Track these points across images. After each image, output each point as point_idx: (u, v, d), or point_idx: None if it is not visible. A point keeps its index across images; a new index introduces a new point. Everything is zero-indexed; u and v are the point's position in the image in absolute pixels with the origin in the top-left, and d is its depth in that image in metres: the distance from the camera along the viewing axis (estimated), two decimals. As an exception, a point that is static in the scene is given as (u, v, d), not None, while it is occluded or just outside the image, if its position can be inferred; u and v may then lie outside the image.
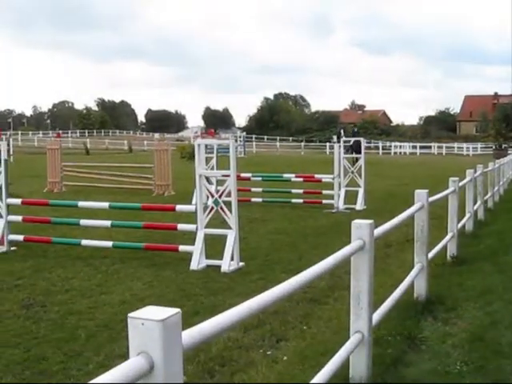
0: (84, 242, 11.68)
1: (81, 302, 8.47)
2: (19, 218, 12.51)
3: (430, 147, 79.58)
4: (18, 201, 12.63)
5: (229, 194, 10.55)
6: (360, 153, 20.59)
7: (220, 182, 14.63)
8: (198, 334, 2.55)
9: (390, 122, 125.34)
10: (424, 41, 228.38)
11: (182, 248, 10.86)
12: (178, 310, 2.35)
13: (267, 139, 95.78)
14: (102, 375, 2.15)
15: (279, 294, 3.46)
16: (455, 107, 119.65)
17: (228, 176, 10.61)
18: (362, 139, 21.38)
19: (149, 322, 2.26)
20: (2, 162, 12.16)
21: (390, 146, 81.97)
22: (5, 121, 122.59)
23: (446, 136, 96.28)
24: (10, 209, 12.36)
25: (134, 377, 2.19)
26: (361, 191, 19.00)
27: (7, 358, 6.44)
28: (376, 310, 5.86)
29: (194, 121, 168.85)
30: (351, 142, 25.45)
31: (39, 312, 8.07)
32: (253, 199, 18.93)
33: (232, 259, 10.36)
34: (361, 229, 5.06)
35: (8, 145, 13.26)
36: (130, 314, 2.35)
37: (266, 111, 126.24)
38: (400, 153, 79.70)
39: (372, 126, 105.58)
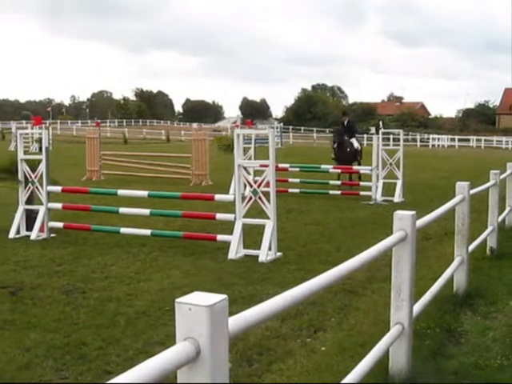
0: (123, 229, 11.77)
1: (120, 289, 8.54)
2: (59, 205, 12.65)
3: (468, 140, 78.76)
4: (58, 188, 12.75)
5: (267, 184, 10.56)
6: (355, 135, 22.48)
7: (257, 173, 14.63)
8: (244, 320, 2.56)
9: (428, 114, 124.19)
10: (460, 31, 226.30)
11: (220, 237, 10.89)
12: (224, 296, 2.36)
13: (304, 130, 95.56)
14: (149, 359, 2.16)
15: (323, 284, 3.46)
16: (495, 100, 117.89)
17: (266, 166, 10.60)
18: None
19: (196, 307, 2.27)
20: (44, 150, 12.32)
21: (428, 139, 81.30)
22: (44, 110, 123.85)
23: (485, 129, 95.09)
24: (50, 196, 12.51)
25: (181, 362, 2.20)
26: (399, 183, 18.86)
27: (48, 343, 6.52)
28: (415, 302, 5.82)
29: (231, 111, 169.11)
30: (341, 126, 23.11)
31: (79, 298, 8.16)
32: (290, 190, 18.92)
33: (270, 249, 10.36)
34: (403, 220, 5.02)
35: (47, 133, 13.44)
36: (177, 300, 2.36)
37: (303, 102, 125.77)
38: (438, 145, 79.03)
39: (410, 119, 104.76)
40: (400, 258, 5.11)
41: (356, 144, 22.22)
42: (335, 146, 21.54)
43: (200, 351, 2.27)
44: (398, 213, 5.15)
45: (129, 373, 2.08)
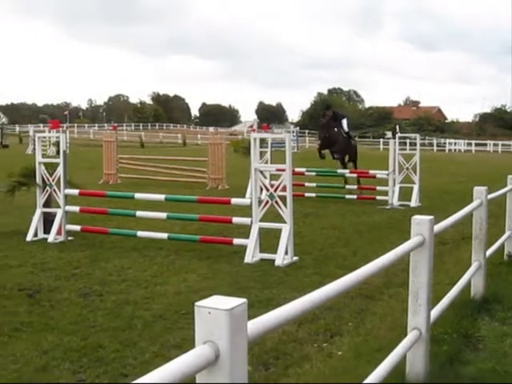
0: (140, 233, 11.81)
1: (136, 293, 8.57)
2: (76, 208, 12.73)
3: (485, 145, 78.33)
4: (75, 191, 12.80)
5: (283, 188, 10.56)
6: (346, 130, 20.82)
7: (273, 177, 14.64)
8: (263, 324, 2.57)
9: (445, 118, 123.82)
10: (476, 35, 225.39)
11: (236, 241, 10.90)
12: (244, 300, 2.37)
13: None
14: (169, 362, 2.17)
15: (341, 289, 3.45)
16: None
17: (283, 170, 10.61)
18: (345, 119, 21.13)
19: (216, 311, 2.28)
20: (61, 153, 12.39)
21: (445, 143, 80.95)
22: (61, 113, 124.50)
23: (502, 134, 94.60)
24: (68, 199, 12.57)
25: (201, 365, 2.21)
26: (415, 188, 18.79)
27: (65, 346, 6.55)
28: (433, 307, 5.81)
29: (248, 115, 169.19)
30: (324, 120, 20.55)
31: (96, 301, 8.19)
32: (306, 194, 18.92)
33: (286, 253, 10.36)
34: (421, 225, 5.01)
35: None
36: (197, 303, 2.37)
37: (319, 106, 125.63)
38: (455, 150, 78.67)
39: (426, 123, 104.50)
40: (418, 263, 5.10)
41: (346, 127, 20.83)
42: (321, 140, 20.56)
43: (219, 355, 2.28)
44: (416, 217, 5.14)
45: (148, 376, 2.09)
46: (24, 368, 5.99)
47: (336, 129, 20.33)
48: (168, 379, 2.09)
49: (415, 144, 20.55)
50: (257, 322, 2.56)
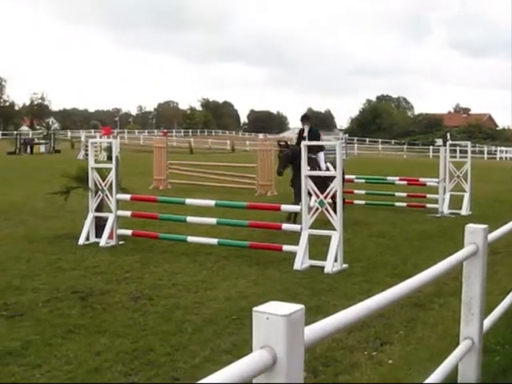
0: (190, 238, 11.90)
1: (187, 297, 8.64)
2: (128, 213, 12.89)
3: (538, 153, 77.13)
4: (127, 196, 12.96)
5: (333, 196, 10.55)
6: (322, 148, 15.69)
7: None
8: (319, 330, 2.58)
9: (496, 126, 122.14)
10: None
11: (285, 248, 10.91)
12: (301, 306, 2.39)
13: (369, 141, 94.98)
14: (227, 366, 2.20)
15: (398, 295, 3.45)
16: None
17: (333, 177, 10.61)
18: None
19: (274, 316, 2.31)
20: (114, 158, 12.58)
21: (496, 151, 79.85)
22: (112, 119, 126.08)
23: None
24: (119, 204, 12.74)
25: (258, 370, 2.24)
26: (466, 196, 18.57)
27: (117, 348, 6.65)
28: (485, 317, 5.75)
29: (296, 122, 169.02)
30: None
31: (147, 305, 8.29)
32: (355, 201, 18.84)
33: (335, 260, 10.34)
34: (475, 234, 4.98)
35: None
36: (254, 308, 2.40)
37: (368, 113, 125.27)
38: (506, 158, 77.51)
39: (477, 130, 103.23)
40: (471, 273, 5.06)
41: (324, 164, 15.61)
42: (284, 158, 15.05)
43: (276, 360, 2.31)
44: (470, 226, 5.11)
45: (206, 380, 2.13)
46: (77, 369, 6.09)
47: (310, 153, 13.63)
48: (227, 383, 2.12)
49: (465, 152, 20.33)
50: (313, 328, 2.58)
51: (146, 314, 7.85)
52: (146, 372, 6.03)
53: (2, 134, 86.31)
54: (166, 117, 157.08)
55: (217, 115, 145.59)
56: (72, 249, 11.93)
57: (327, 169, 15.23)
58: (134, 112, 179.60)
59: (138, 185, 22.86)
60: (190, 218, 12.28)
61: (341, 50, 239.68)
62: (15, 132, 73.49)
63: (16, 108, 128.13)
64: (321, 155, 15.54)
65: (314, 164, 14.65)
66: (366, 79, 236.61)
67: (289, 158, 14.91)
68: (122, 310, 8.07)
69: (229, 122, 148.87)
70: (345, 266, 10.51)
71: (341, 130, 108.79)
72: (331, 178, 12.74)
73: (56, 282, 9.48)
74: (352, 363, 6.24)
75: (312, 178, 11.90)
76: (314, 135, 15.37)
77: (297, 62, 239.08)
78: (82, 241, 12.42)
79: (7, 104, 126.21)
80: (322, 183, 12.70)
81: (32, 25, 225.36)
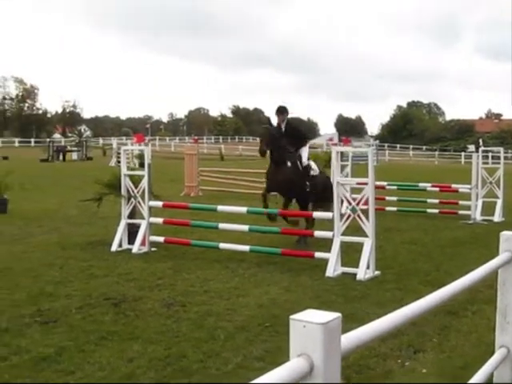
0: (222, 245, 11.92)
1: (219, 304, 8.65)
2: (160, 220, 12.95)
3: None
4: (159, 203, 13.02)
5: (365, 202, 10.51)
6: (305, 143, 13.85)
7: (354, 190, 14.56)
8: (356, 339, 2.58)
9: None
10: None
11: (317, 255, 10.88)
12: (338, 314, 2.39)
13: (400, 148, 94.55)
14: (265, 374, 2.20)
15: (434, 303, 3.44)
16: None
17: (365, 184, 10.58)
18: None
19: (311, 324, 2.31)
20: (146, 165, 12.66)
21: (529, 157, 79.07)
22: (143, 126, 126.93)
23: None
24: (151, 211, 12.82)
25: (296, 377, 2.24)
26: (499, 202, 18.39)
27: (150, 355, 6.67)
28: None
29: (326, 128, 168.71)
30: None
31: (179, 311, 8.31)
32: (387, 208, 18.75)
33: (368, 267, 10.29)
34: (510, 241, 4.93)
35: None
36: (291, 316, 2.41)
37: (399, 119, 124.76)
38: (539, 164, 76.68)
39: (509, 136, 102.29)
40: (506, 280, 5.02)
41: (306, 159, 13.65)
42: (269, 136, 13.07)
43: (313, 368, 2.30)
44: (505, 233, 5.06)
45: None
46: (110, 376, 6.12)
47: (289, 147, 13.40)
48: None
49: (498, 158, 20.14)
50: (350, 336, 2.58)
51: (178, 321, 7.87)
52: (178, 379, 6.03)
53: (35, 142, 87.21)
54: (197, 124, 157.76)
55: (247, 122, 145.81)
56: (104, 255, 12.01)
57: (309, 166, 13.60)
58: (165, 119, 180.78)
59: (170, 192, 23.00)
60: (222, 225, 12.31)
61: (371, 55, 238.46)
62: (48, 139, 74.33)
63: (48, 115, 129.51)
64: (304, 150, 13.65)
65: (295, 159, 13.35)
66: (396, 85, 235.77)
67: (273, 135, 13.05)
68: (154, 316, 8.10)
69: (259, 129, 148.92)
70: (377, 273, 10.46)
71: (371, 137, 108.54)
72: (312, 176, 13.43)
73: (89, 288, 9.55)
74: (385, 371, 6.20)
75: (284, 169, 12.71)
76: (293, 128, 13.75)
77: (326, 68, 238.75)
78: (114, 247, 12.50)
79: (40, 112, 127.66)
80: (295, 175, 13.07)
81: (64, 33, 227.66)
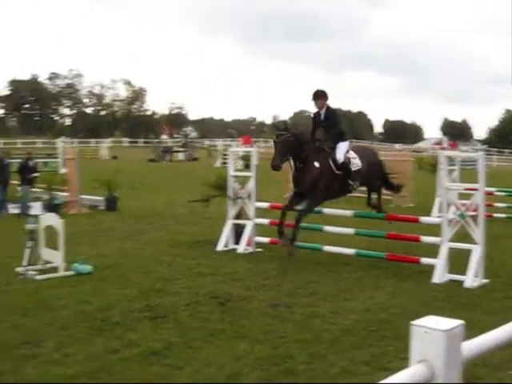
0: (326, 247, 11.91)
1: (324, 306, 8.66)
2: (266, 221, 13.03)
3: None
4: (265, 204, 13.11)
5: (473, 209, 10.28)
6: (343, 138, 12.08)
7: (462, 196, 14.24)
8: (477, 346, 2.55)
9: None
10: None
11: (424, 260, 10.71)
12: (461, 321, 2.37)
13: (508, 153, 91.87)
14: (386, 379, 2.21)
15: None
16: None
17: (474, 190, 10.35)
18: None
19: (433, 331, 2.30)
20: (253, 167, 12.77)
21: None
22: (248, 128, 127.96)
23: None
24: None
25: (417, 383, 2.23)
26: None
27: (256, 354, 6.75)
28: None
29: (431, 132, 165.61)
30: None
31: (285, 312, 8.37)
32: (495, 215, 18.24)
33: (476, 275, 10.06)
34: None
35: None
36: (413, 322, 2.40)
37: (508, 123, 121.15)
38: None
39: None
40: None
41: (342, 156, 11.87)
42: (282, 146, 11.52)
43: (434, 374, 2.29)
44: None
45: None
46: (217, 373, 6.24)
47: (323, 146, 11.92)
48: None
49: None
50: (472, 343, 2.55)
51: (284, 322, 7.93)
52: (284, 380, 6.07)
53: (144, 142, 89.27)
54: (302, 125, 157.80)
55: (351, 124, 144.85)
56: (211, 254, 12.22)
57: (348, 160, 11.89)
58: (269, 121, 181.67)
59: (274, 193, 23.10)
60: (327, 228, 12.28)
61: (479, 57, 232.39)
62: (155, 140, 76.01)
63: (156, 117, 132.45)
64: (342, 146, 11.94)
65: (323, 157, 11.70)
66: (504, 87, 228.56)
67: (289, 146, 11.44)
68: (260, 316, 8.19)
69: (363, 132, 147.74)
70: (485, 281, 10.21)
71: (479, 141, 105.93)
72: (356, 171, 11.89)
73: (196, 286, 9.75)
74: (495, 382, 6.06)
75: (326, 172, 11.24)
76: (334, 116, 12.25)
77: (431, 70, 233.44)
78: (220, 247, 12.70)
79: (148, 113, 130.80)
80: (341, 180, 11.64)
81: (171, 39, 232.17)
